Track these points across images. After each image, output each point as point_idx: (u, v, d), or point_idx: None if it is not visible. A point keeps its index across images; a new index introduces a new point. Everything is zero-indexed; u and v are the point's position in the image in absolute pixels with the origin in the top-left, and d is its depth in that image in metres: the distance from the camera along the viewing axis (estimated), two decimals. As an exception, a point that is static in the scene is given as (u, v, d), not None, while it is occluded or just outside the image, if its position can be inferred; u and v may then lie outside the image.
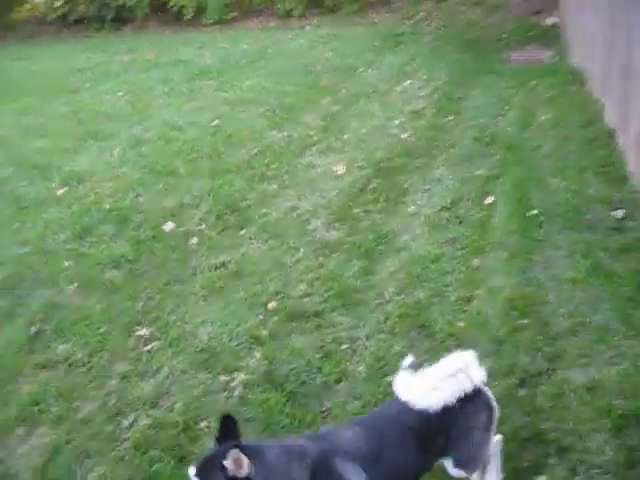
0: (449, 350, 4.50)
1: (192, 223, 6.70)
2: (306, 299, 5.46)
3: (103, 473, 4.07)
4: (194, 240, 6.42)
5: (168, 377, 4.77)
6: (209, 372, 4.81)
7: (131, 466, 4.08)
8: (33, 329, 5.30)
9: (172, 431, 4.30)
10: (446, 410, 3.14)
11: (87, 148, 8.59)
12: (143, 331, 5.24)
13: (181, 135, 8.70)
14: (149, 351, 5.05)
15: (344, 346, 4.84)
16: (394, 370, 4.47)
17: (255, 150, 7.88)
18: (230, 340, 5.09)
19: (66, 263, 6.09)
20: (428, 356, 4.48)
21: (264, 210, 6.85)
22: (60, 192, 7.47)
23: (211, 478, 2.79)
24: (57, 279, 5.89)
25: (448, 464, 3.34)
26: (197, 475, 2.81)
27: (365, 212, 6.43)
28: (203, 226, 6.64)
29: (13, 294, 5.73)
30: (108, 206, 6.99)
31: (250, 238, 6.43)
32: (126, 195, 7.25)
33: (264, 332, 5.13)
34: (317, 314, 5.22)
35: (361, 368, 4.61)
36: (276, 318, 5.26)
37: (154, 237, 6.50)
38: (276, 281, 5.72)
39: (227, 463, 2.73)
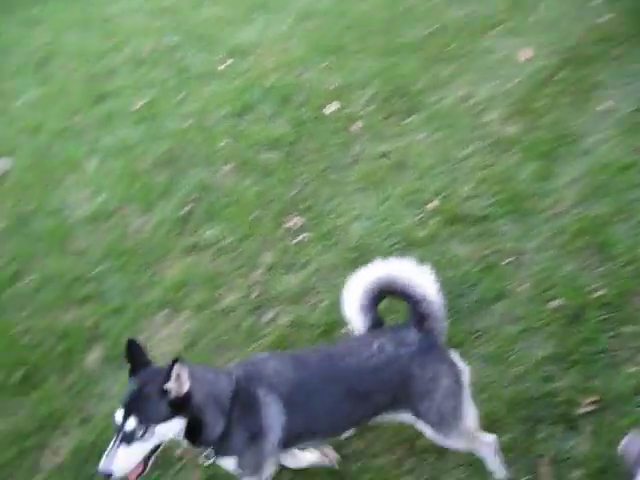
0: (629, 277, 4.00)
1: (356, 106, 6.31)
2: (471, 201, 5.00)
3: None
4: (357, 125, 6.06)
5: (315, 273, 4.63)
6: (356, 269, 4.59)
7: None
8: (185, 209, 5.31)
9: (313, 332, 4.19)
10: (390, 368, 2.94)
11: (254, 20, 8.29)
12: (294, 221, 5.09)
13: (353, 8, 8.14)
14: (298, 243, 4.90)
15: (507, 260, 4.39)
16: (561, 293, 4.06)
17: (432, 28, 7.20)
18: (384, 239, 4.81)
19: (223, 142, 6.00)
20: (602, 282, 3.99)
21: (435, 97, 6.30)
22: (224, 65, 7.30)
23: (151, 409, 2.60)
24: (213, 158, 5.84)
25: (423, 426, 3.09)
26: (132, 412, 2.57)
27: (548, 106, 5.69)
28: (368, 110, 6.24)
29: (170, 171, 5.76)
30: (270, 83, 6.75)
31: (417, 127, 5.97)
32: (290, 72, 6.95)
33: (421, 234, 4.79)
34: (481, 220, 4.77)
35: (523, 287, 4.17)
36: (435, 220, 4.88)
37: (316, 119, 6.20)
38: (440, 178, 5.29)
39: (170, 384, 2.59)
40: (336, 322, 4.21)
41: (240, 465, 2.89)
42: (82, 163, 5.99)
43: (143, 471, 2.67)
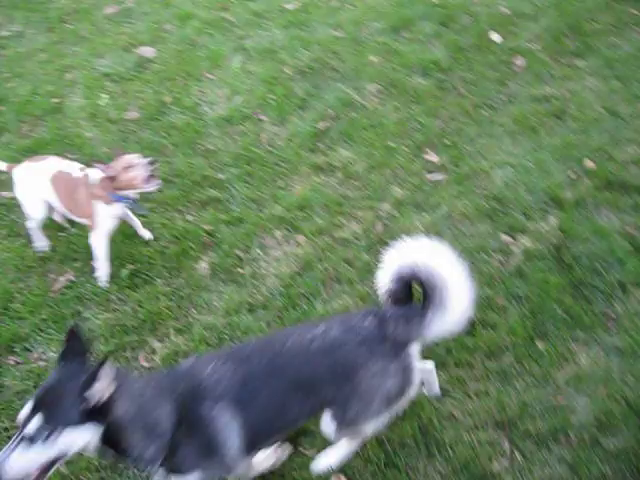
0: None
1: (523, 39, 5.79)
2: (633, 167, 4.53)
3: (346, 305, 3.90)
4: (520, 61, 5.57)
5: (445, 218, 4.37)
6: (492, 225, 4.29)
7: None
8: (321, 125, 5.11)
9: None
10: (337, 361, 2.66)
11: None
12: (433, 157, 4.80)
13: None
14: (433, 181, 4.62)
15: (662, 241, 3.96)
16: None
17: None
18: (527, 193, 4.47)
19: (373, 58, 5.68)
20: None
21: (614, 39, 5.68)
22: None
23: (62, 409, 2.24)
24: (360, 74, 5.55)
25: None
26: (40, 408, 2.23)
27: None
28: (535, 46, 5.72)
29: (312, 81, 5.54)
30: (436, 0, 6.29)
31: (587, 72, 5.43)
32: (458, -11, 6.44)
33: (569, 195, 4.41)
34: (640, 190, 4.33)
35: (678, 278, 3.76)
36: (588, 182, 4.48)
37: (476, 47, 5.76)
38: (602, 135, 4.82)
39: (92, 388, 2.23)
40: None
41: (207, 477, 2.67)
42: (225, 60, 5.86)
43: None
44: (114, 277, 4.26)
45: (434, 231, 4.25)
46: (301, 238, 4.35)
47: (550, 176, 4.55)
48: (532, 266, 3.98)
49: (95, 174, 4.00)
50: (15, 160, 4.46)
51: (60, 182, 4.07)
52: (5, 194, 4.98)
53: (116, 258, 4.33)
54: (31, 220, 4.30)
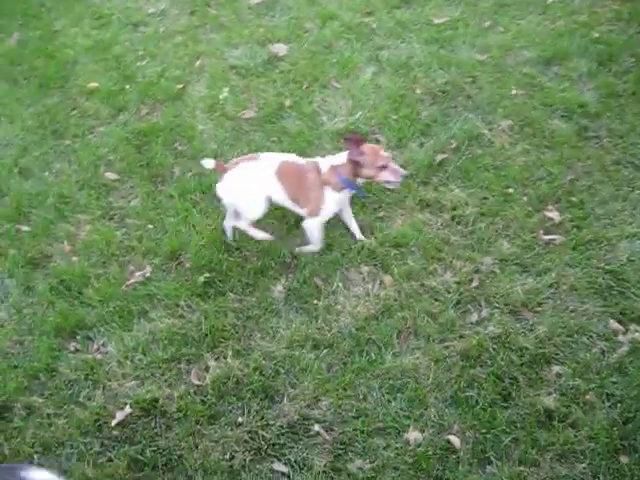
0: None
1: None
2: None
3: (416, 364, 3.65)
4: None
5: (551, 286, 4.00)
6: (603, 305, 3.88)
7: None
8: (440, 156, 4.83)
9: (517, 356, 3.65)
10: None
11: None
12: (554, 214, 4.40)
13: None
14: (547, 242, 4.23)
15: None
16: None
17: None
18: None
19: (513, 91, 5.29)
20: None
21: None
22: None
23: None
24: (494, 107, 5.18)
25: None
26: None
27: None
28: None
29: (441, 106, 5.25)
30: (598, 34, 5.75)
31: None
32: (628, 26, 5.85)
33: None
34: None
35: None
36: None
37: (633, 94, 5.18)
38: None
39: None
40: (544, 357, 3.63)
41: None
42: (356, 70, 5.67)
43: None
44: (189, 282, 4.22)
45: (536, 299, 3.89)
46: (388, 279, 4.12)
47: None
48: (637, 365, 3.53)
49: (322, 161, 4.12)
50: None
51: (287, 172, 4.11)
52: (110, 175, 5.08)
53: (195, 264, 4.29)
54: (246, 220, 4.27)
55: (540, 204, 4.46)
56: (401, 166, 4.11)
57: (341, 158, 4.06)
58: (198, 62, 6.02)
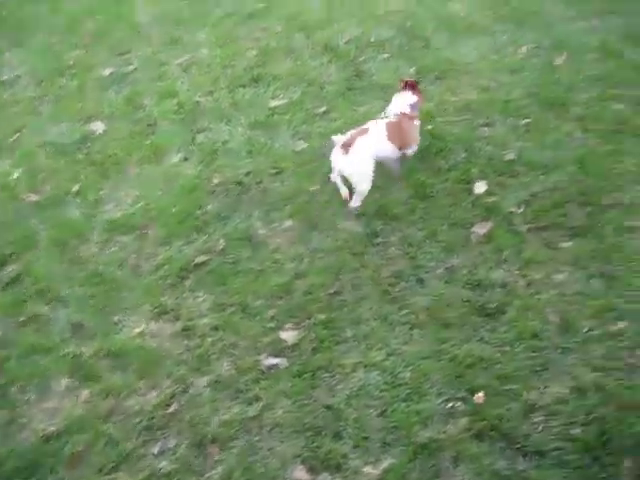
0: None
1: None
2: None
3: None
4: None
5: (253, 419, 3.67)
6: (305, 442, 3.54)
7: None
8: (200, 258, 4.63)
9: None
10: None
11: None
12: (290, 333, 4.11)
13: None
14: (269, 366, 3.92)
15: None
16: None
17: None
18: None
19: (313, 187, 5.06)
20: None
21: None
22: None
23: None
24: (285, 204, 4.96)
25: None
26: None
27: None
28: None
29: (230, 201, 5.05)
30: None
31: None
32: None
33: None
34: None
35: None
36: None
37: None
38: None
39: None
40: None
41: None
42: (164, 153, 5.54)
43: None
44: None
45: (229, 433, 3.58)
46: (85, 394, 3.89)
47: None
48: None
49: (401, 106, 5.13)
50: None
51: (392, 128, 4.97)
52: None
53: None
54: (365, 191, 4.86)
55: (286, 320, 4.18)
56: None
57: (409, 98, 5.13)
58: (16, 136, 5.98)
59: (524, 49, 6.66)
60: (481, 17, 7.35)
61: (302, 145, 5.53)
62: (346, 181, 4.83)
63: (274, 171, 5.28)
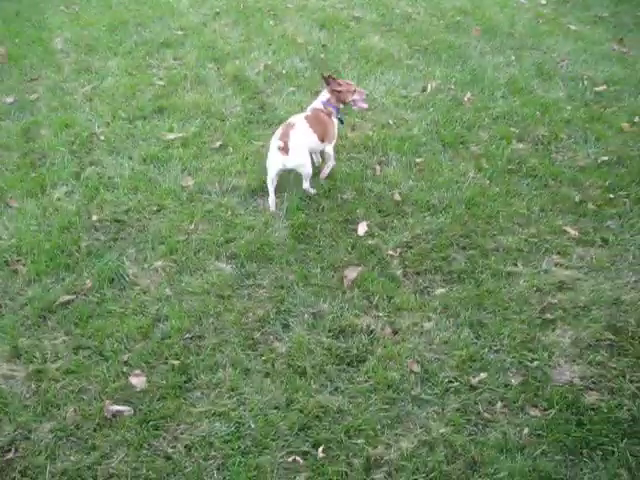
0: None
1: None
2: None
3: None
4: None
5: (89, 469, 3.57)
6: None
7: None
8: (65, 298, 4.50)
9: None
10: None
11: None
12: (140, 379, 4.00)
13: None
14: (114, 413, 3.81)
15: None
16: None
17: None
18: None
19: (192, 226, 5.01)
20: None
21: None
22: None
23: None
24: (161, 242, 4.89)
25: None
26: None
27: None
28: None
29: (106, 238, 4.97)
30: None
31: None
32: None
33: None
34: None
35: None
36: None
37: None
38: None
39: None
40: None
41: None
42: (50, 187, 5.45)
43: None
44: None
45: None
46: None
47: None
48: None
49: (317, 103, 5.49)
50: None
51: (311, 120, 5.30)
52: None
53: None
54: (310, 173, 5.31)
55: (139, 364, 4.08)
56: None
57: (322, 97, 5.47)
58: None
59: (434, 84, 6.72)
60: (397, 50, 7.41)
61: (189, 181, 5.50)
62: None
63: (155, 208, 5.22)
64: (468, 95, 6.45)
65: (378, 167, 5.59)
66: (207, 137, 5.99)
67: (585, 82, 6.77)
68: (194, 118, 6.26)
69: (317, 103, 5.47)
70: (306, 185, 5.33)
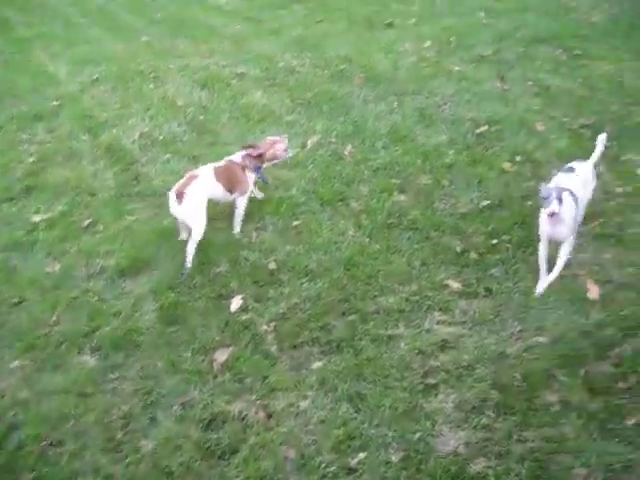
0: None
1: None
2: None
3: None
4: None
5: None
6: None
7: None
8: None
9: None
10: None
11: None
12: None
13: None
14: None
15: None
16: None
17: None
18: None
19: (55, 317, 4.72)
20: None
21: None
22: None
23: None
24: (19, 339, 4.59)
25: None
26: None
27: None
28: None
29: None
30: None
31: None
32: None
33: None
34: None
35: None
36: None
37: None
38: None
39: None
40: None
41: None
42: None
43: None
44: None
45: None
46: None
47: None
48: None
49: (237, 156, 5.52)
50: None
51: (218, 171, 5.33)
52: None
53: None
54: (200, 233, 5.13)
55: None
56: None
57: (239, 156, 5.50)
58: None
59: (315, 139, 6.58)
60: (279, 106, 7.28)
61: (55, 266, 5.21)
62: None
63: (15, 301, 4.91)
64: (349, 148, 6.33)
65: (255, 233, 5.38)
66: (76, 215, 5.73)
67: (467, 124, 6.70)
68: (63, 195, 5.99)
69: (235, 156, 5.51)
70: (190, 247, 5.08)
